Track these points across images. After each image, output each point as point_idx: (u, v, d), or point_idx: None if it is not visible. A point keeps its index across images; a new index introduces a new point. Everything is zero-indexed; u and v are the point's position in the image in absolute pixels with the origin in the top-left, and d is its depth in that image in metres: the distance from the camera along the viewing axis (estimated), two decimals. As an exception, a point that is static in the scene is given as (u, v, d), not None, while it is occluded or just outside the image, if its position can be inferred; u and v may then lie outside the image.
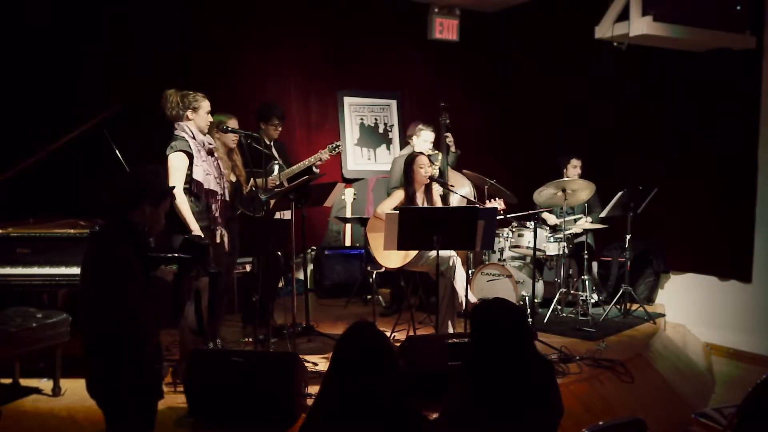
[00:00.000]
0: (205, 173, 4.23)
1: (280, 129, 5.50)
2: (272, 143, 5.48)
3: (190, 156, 4.19)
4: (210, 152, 4.36)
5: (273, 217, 5.22)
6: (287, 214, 5.42)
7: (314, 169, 5.38)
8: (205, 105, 4.32)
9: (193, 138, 4.24)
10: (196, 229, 4.11)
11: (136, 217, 2.88)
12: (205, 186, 4.22)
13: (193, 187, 4.19)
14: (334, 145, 5.39)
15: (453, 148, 5.94)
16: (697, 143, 6.24)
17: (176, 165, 4.16)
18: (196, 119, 4.28)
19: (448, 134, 5.88)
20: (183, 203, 4.12)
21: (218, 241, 4.32)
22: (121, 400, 2.76)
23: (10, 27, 5.44)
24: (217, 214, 4.31)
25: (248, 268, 5.54)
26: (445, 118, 5.89)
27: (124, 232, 2.85)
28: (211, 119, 4.39)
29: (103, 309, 2.74)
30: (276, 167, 5.30)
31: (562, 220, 5.88)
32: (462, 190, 5.57)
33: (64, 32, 5.60)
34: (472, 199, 5.53)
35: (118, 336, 2.73)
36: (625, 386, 4.51)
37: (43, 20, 5.54)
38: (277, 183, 5.09)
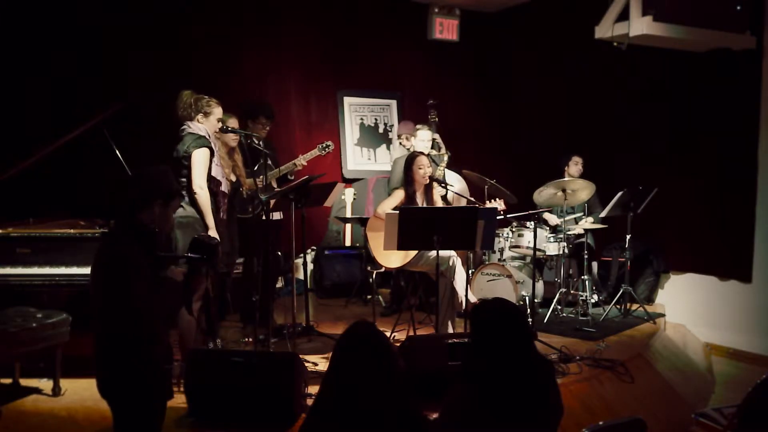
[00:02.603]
0: (221, 174, 4.28)
1: (267, 128, 5.45)
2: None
3: (212, 154, 4.21)
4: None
5: (261, 218, 5.21)
6: (276, 215, 5.41)
7: (289, 176, 5.35)
8: (218, 112, 4.33)
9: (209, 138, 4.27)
10: (212, 225, 4.11)
11: (146, 216, 2.87)
12: (221, 187, 4.28)
13: (211, 185, 4.21)
14: (324, 145, 5.37)
15: (443, 150, 5.88)
16: (697, 143, 6.23)
17: (201, 160, 4.13)
18: (206, 123, 4.29)
19: (437, 134, 5.85)
20: (207, 199, 4.11)
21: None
22: (131, 400, 2.76)
23: (9, 27, 5.44)
24: (224, 216, 4.35)
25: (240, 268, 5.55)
26: (434, 116, 5.83)
27: (134, 232, 2.84)
28: (220, 125, 4.40)
29: (113, 309, 2.74)
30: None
31: (562, 220, 5.88)
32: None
33: (63, 31, 5.61)
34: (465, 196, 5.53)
35: (128, 336, 2.72)
36: (625, 386, 4.51)
37: (43, 19, 5.54)
38: (265, 183, 5.07)
